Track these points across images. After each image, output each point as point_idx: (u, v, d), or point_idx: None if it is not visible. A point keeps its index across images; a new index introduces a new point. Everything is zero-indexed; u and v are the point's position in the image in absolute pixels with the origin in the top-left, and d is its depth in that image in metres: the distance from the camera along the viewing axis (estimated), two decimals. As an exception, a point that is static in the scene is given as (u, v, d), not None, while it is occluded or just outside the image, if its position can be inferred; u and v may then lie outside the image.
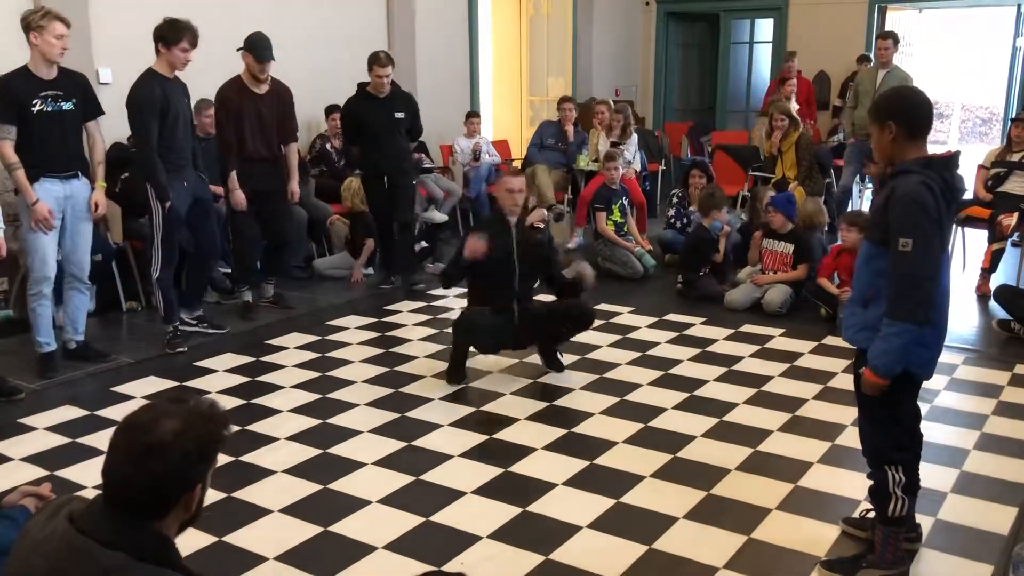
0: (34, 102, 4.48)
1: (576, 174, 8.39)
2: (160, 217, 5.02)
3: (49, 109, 4.54)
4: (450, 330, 4.82)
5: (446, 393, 4.57)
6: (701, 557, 3.03)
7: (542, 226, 5.29)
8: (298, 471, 3.68)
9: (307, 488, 3.53)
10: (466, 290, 4.94)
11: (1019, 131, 6.85)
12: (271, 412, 4.32)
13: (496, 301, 4.65)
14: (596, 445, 3.91)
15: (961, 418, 4.21)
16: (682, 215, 7.35)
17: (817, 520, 3.27)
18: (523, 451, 3.86)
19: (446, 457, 3.81)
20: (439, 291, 6.38)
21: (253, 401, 4.46)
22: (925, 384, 2.91)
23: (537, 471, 3.67)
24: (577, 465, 3.71)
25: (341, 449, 3.90)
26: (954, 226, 6.70)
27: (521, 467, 3.71)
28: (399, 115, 6.34)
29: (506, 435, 4.04)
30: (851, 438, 3.72)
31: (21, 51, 4.53)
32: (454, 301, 6.11)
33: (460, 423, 4.18)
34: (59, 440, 3.99)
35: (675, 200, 7.51)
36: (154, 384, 4.67)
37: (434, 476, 3.64)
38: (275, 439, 4.00)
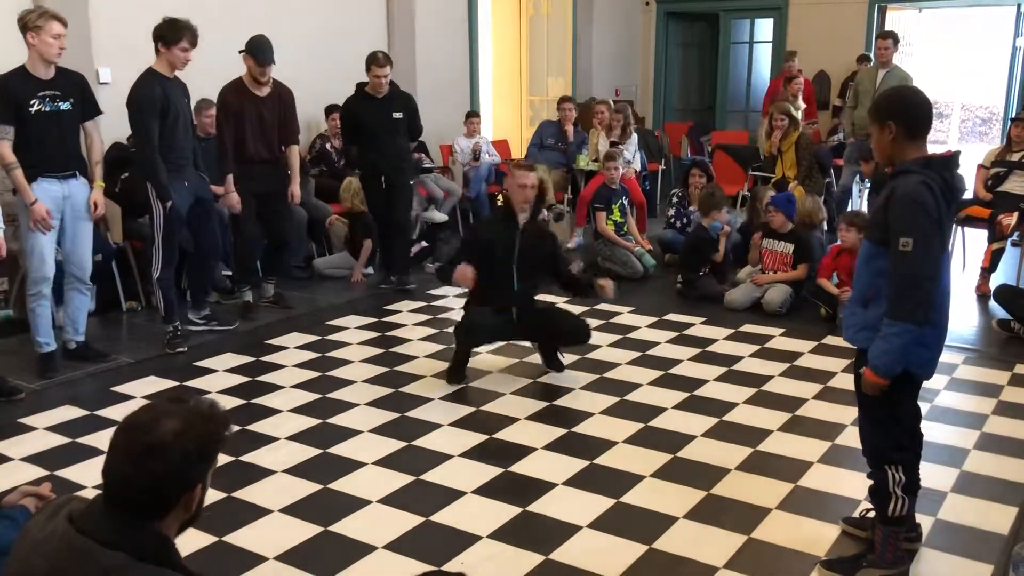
0: (32, 102, 4.48)
1: (576, 174, 8.39)
2: (161, 217, 5.01)
3: (47, 109, 4.53)
4: (450, 330, 4.82)
5: (446, 393, 4.57)
6: (701, 557, 3.03)
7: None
8: (298, 471, 3.68)
9: (307, 488, 3.53)
10: (465, 289, 4.94)
11: (1019, 131, 6.85)
12: (271, 412, 4.32)
13: (495, 301, 4.65)
14: (596, 445, 3.91)
15: (961, 418, 4.21)
16: (682, 215, 7.35)
17: (817, 520, 3.27)
18: (523, 451, 3.86)
19: (446, 457, 3.81)
20: (439, 291, 6.38)
21: (253, 401, 4.46)
22: (925, 384, 2.91)
23: (537, 471, 3.67)
24: (577, 465, 3.71)
25: (341, 449, 3.90)
26: (954, 226, 6.70)
27: (521, 467, 3.71)
28: (397, 115, 6.34)
29: (506, 435, 4.04)
30: (851, 438, 3.72)
31: (21, 51, 4.53)
32: (454, 301, 6.11)
33: (460, 423, 4.18)
34: (59, 440, 3.99)
35: (675, 200, 7.51)
36: (154, 384, 4.66)
37: (434, 476, 3.64)
38: (275, 439, 4.00)
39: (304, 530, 3.21)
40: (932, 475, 3.41)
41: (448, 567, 2.94)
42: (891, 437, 2.84)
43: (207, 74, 5.84)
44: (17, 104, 4.44)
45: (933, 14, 12.99)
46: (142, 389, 4.58)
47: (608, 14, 11.53)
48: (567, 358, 4.94)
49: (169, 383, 4.69)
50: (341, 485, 3.56)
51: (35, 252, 4.62)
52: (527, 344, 5.08)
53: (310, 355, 5.14)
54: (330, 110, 7.48)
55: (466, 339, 4.67)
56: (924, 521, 3.16)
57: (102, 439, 3.78)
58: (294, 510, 3.36)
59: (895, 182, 2.68)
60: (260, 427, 4.13)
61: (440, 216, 7.95)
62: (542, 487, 3.53)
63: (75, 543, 1.53)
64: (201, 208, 5.30)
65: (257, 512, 3.34)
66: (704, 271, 6.43)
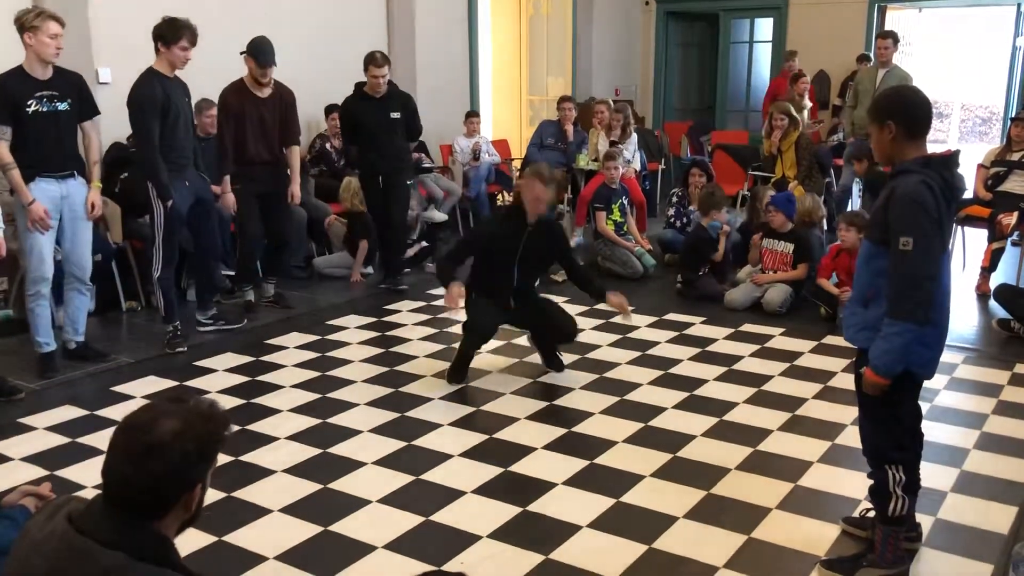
0: (29, 102, 4.47)
1: (576, 174, 8.38)
2: (161, 216, 5.01)
3: (44, 109, 4.53)
4: (450, 330, 4.81)
5: (446, 393, 4.57)
6: (701, 556, 3.03)
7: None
8: (298, 471, 3.68)
9: (307, 488, 3.53)
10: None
11: (1019, 130, 6.85)
12: (271, 412, 4.32)
13: (493, 297, 4.66)
14: (596, 445, 3.91)
15: (961, 417, 4.21)
16: (682, 214, 7.35)
17: (817, 519, 3.27)
18: (523, 451, 3.86)
19: (446, 457, 3.81)
20: (439, 291, 6.36)
21: (253, 401, 4.46)
22: (925, 384, 2.91)
23: (537, 471, 3.67)
24: (577, 465, 3.71)
25: (341, 449, 3.90)
26: (954, 225, 6.70)
27: (521, 467, 3.71)
28: (395, 115, 6.33)
29: (506, 435, 4.04)
30: (851, 437, 3.72)
31: (19, 51, 4.52)
32: (454, 301, 6.11)
33: (460, 423, 4.18)
34: (59, 440, 3.99)
35: (675, 199, 7.51)
36: (154, 384, 4.66)
37: (434, 476, 3.63)
38: (275, 439, 4.00)
39: (304, 530, 3.21)
40: (932, 475, 3.41)
41: (448, 567, 2.93)
42: (892, 437, 2.84)
43: (207, 74, 5.84)
44: (14, 104, 4.44)
45: (933, 14, 13.00)
46: (142, 389, 4.58)
47: (608, 14, 11.53)
48: (567, 358, 4.94)
49: (169, 383, 4.69)
50: (341, 485, 3.56)
51: (34, 252, 4.62)
52: (527, 344, 5.08)
53: (310, 355, 5.14)
54: (330, 110, 7.48)
55: (470, 337, 4.66)
56: (924, 521, 3.16)
57: (102, 439, 3.78)
58: (294, 510, 3.36)
59: (895, 182, 2.68)
60: (260, 427, 4.13)
61: (440, 216, 7.95)
62: (542, 487, 3.53)
63: (75, 543, 1.53)
64: (201, 208, 5.29)
65: (257, 512, 3.34)
66: (704, 271, 6.43)
